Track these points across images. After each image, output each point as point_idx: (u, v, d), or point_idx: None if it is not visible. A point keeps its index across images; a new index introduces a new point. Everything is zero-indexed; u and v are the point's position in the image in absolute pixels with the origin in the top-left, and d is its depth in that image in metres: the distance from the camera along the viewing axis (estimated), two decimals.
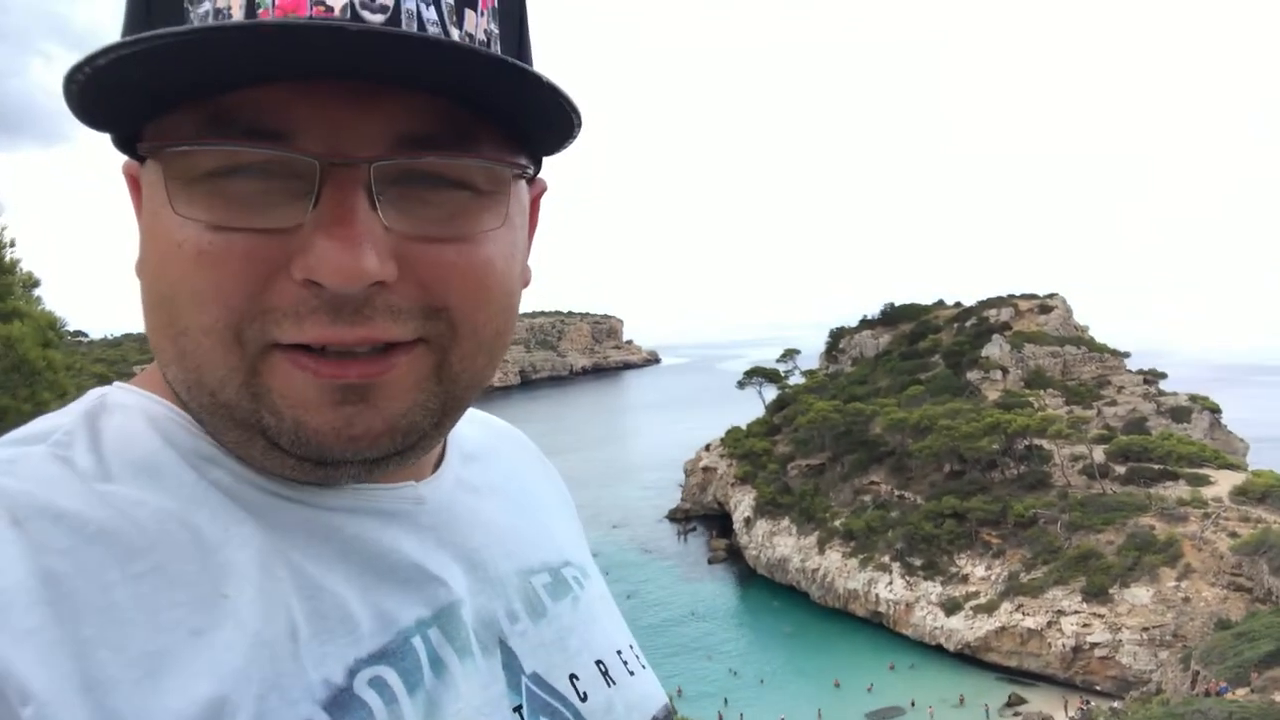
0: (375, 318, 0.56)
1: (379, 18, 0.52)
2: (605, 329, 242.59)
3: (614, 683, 0.78)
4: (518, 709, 0.69)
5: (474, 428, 0.88)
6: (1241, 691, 27.52)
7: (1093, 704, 37.52)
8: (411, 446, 0.61)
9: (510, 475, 0.87)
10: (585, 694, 0.74)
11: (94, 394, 0.65)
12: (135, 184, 0.63)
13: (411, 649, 0.63)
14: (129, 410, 0.63)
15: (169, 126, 0.55)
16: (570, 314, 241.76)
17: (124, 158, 0.63)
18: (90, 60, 0.49)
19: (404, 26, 0.53)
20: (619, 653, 0.81)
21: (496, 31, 0.60)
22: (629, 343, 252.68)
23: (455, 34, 0.56)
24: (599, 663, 0.78)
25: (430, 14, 0.55)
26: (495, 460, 0.87)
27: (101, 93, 0.52)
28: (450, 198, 0.59)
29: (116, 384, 0.67)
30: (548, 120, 0.59)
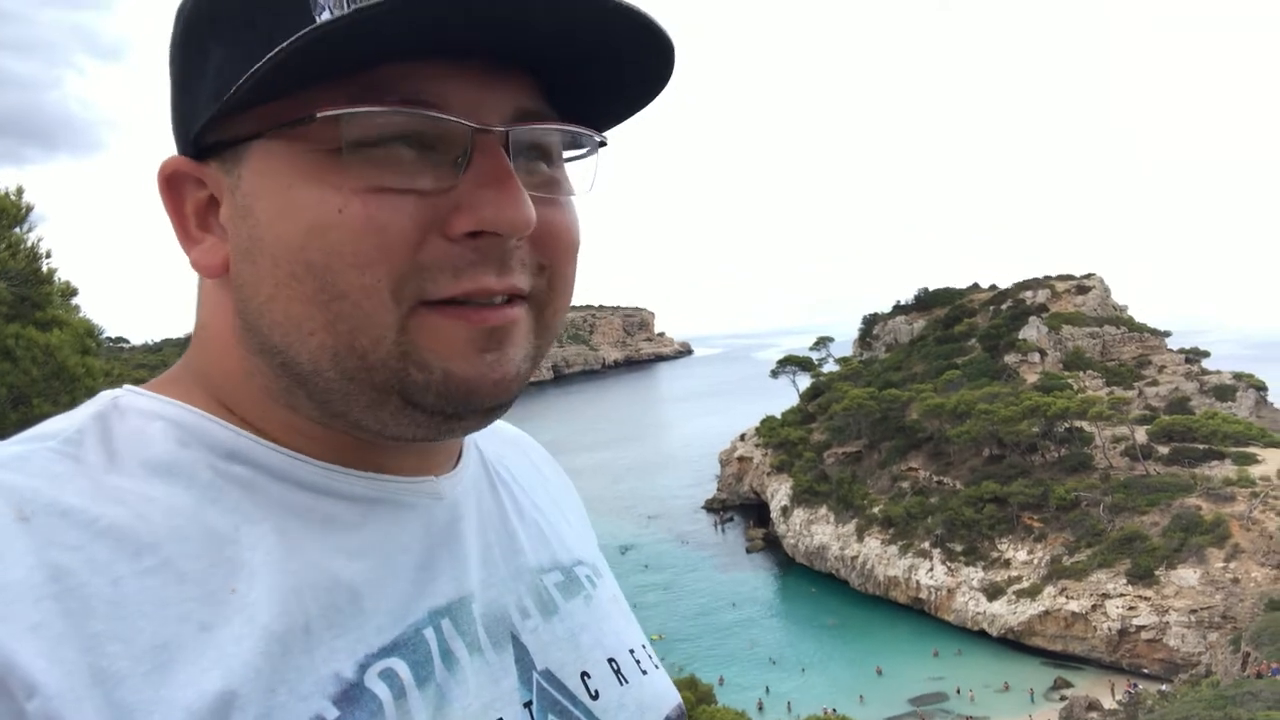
0: (515, 269, 0.62)
1: None
2: (637, 321, 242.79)
3: (626, 681, 0.78)
4: (528, 704, 0.69)
5: (486, 431, 0.87)
6: None
7: (1140, 687, 37.02)
8: (515, 396, 0.66)
9: (523, 476, 0.88)
10: (597, 692, 0.75)
11: (105, 395, 0.66)
12: (174, 185, 0.65)
13: (423, 640, 0.64)
14: (140, 411, 0.64)
15: (308, 103, 0.57)
16: (601, 307, 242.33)
17: (160, 161, 0.65)
18: (275, 56, 0.53)
19: None
20: (631, 651, 0.82)
21: None
22: (661, 335, 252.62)
23: None
24: (611, 661, 0.78)
25: None
26: (508, 460, 0.88)
27: (295, 60, 0.54)
28: (545, 166, 0.66)
29: (126, 386, 0.68)
30: (628, 94, 0.67)
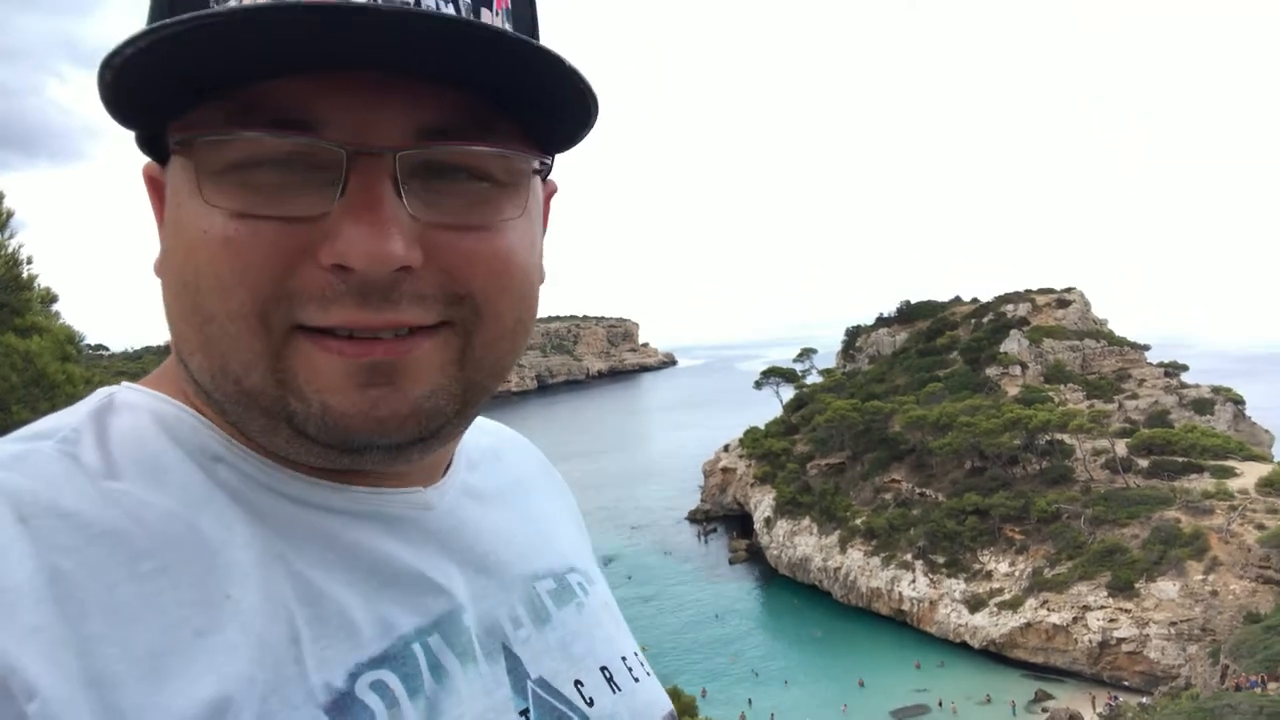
0: (401, 303, 0.58)
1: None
2: (621, 332, 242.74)
3: (619, 689, 0.78)
4: (524, 713, 0.69)
5: (481, 435, 0.88)
6: (1273, 686, 27.17)
7: (1121, 699, 37.16)
8: (435, 433, 0.62)
9: (516, 482, 0.87)
10: (591, 699, 0.75)
11: (101, 393, 0.66)
12: (155, 186, 0.65)
13: (412, 654, 0.64)
14: (136, 409, 0.64)
15: (197, 119, 0.56)
16: (585, 318, 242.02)
17: (142, 164, 0.65)
18: (129, 43, 0.51)
19: (424, 4, 0.55)
20: (624, 659, 0.81)
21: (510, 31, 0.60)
22: (645, 345, 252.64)
23: (486, 13, 0.58)
24: (604, 669, 0.78)
25: (448, 10, 0.56)
26: (501, 467, 0.87)
27: (134, 81, 0.53)
28: (470, 188, 0.60)
29: (124, 383, 0.67)
30: (566, 109, 0.61)
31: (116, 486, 0.58)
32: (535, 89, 0.58)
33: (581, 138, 0.65)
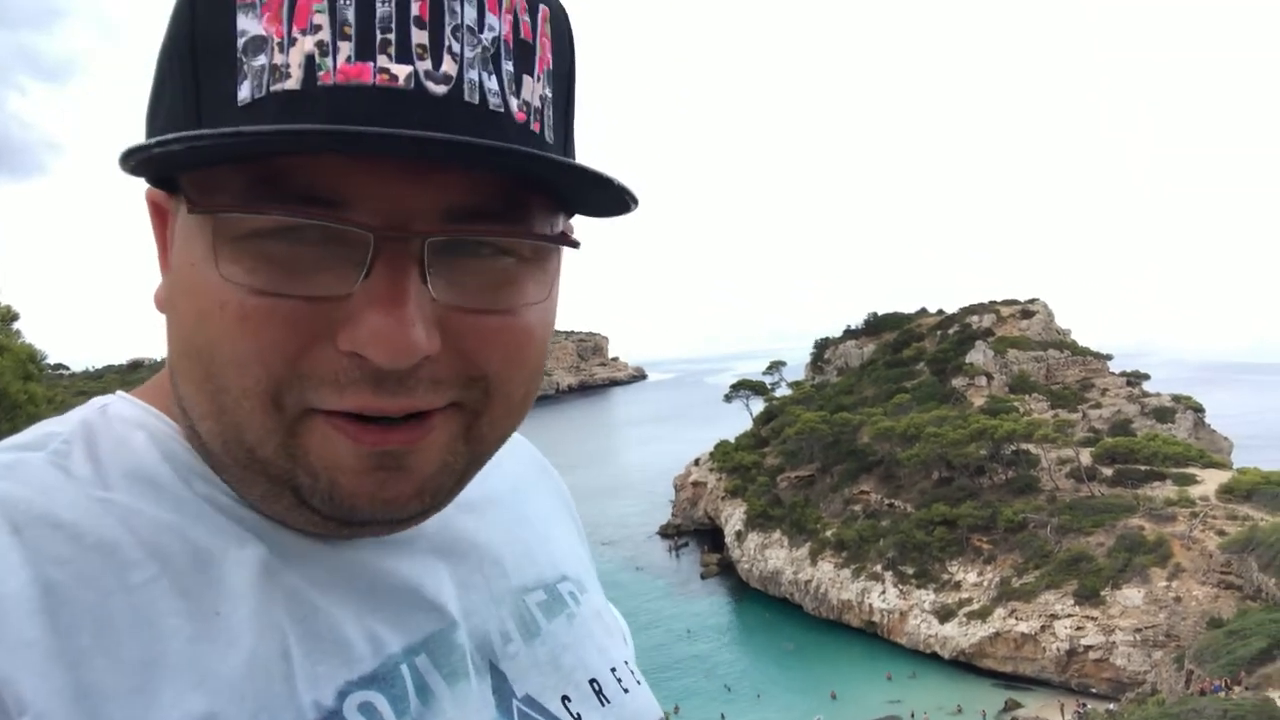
0: (417, 389, 0.56)
1: (442, 88, 0.52)
2: (590, 346, 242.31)
3: (608, 701, 0.77)
4: None
5: None
6: (1236, 689, 27.58)
7: (1089, 706, 37.49)
8: (435, 505, 0.62)
9: (510, 486, 0.86)
10: (579, 715, 0.74)
11: (95, 403, 0.65)
12: (160, 212, 0.62)
13: (399, 675, 0.63)
14: (129, 422, 0.63)
15: (217, 181, 0.53)
16: (555, 332, 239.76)
17: (132, 181, 0.61)
18: (160, 145, 0.50)
19: (466, 97, 0.53)
20: (613, 670, 0.80)
21: (550, 96, 0.59)
22: (615, 359, 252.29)
23: (514, 103, 0.55)
24: (593, 681, 0.77)
25: (491, 84, 0.54)
26: (495, 471, 0.81)
27: (160, 159, 0.52)
28: (495, 264, 0.58)
29: (119, 394, 0.66)
30: (600, 203, 0.60)
31: (109, 497, 0.57)
32: (569, 187, 0.57)
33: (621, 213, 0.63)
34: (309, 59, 0.50)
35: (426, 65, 0.52)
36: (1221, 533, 42.35)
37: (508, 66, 0.55)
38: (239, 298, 0.53)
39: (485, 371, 0.58)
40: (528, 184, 0.56)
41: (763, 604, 55.84)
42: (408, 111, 0.50)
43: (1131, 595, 41.65)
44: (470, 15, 0.53)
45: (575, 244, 0.62)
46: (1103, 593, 42.35)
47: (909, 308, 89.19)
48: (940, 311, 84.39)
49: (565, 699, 0.74)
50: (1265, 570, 37.72)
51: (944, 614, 46.56)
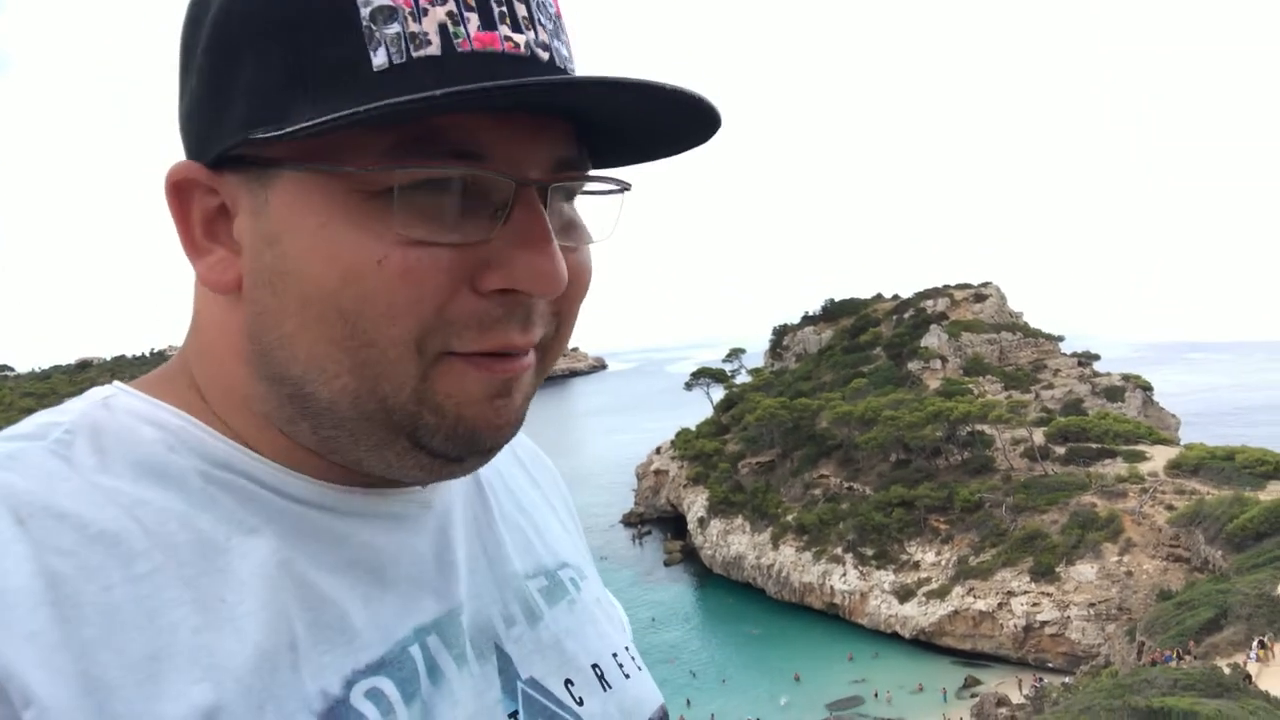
0: (537, 324, 0.61)
1: (545, 55, 0.59)
2: None
3: (610, 686, 0.78)
4: (514, 715, 0.69)
5: None
6: (1186, 659, 28.34)
7: (1045, 681, 38.25)
8: (515, 433, 0.65)
9: (508, 475, 0.87)
10: (581, 698, 0.74)
11: (96, 393, 0.65)
12: (193, 193, 0.62)
13: (409, 658, 0.63)
14: (132, 412, 0.63)
15: (354, 143, 0.55)
16: None
17: (170, 167, 0.61)
18: (330, 122, 0.52)
19: (558, 63, 0.60)
20: (614, 655, 0.81)
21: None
22: (574, 350, 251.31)
23: (575, 70, 0.63)
24: (595, 666, 0.78)
25: (564, 51, 0.62)
26: (494, 461, 0.83)
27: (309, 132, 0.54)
28: (567, 209, 0.65)
29: (116, 384, 0.66)
30: (686, 131, 0.63)
31: (114, 486, 0.57)
32: (664, 117, 0.61)
33: (660, 159, 0.69)
34: (442, 28, 0.54)
35: (531, 35, 0.58)
36: (1170, 507, 43.47)
37: (564, 37, 0.62)
38: (400, 251, 0.55)
39: (562, 307, 0.64)
40: (588, 135, 0.63)
41: (726, 589, 56.24)
42: (530, 74, 0.57)
43: (1085, 571, 42.60)
44: None
45: (629, 185, 0.67)
46: (1057, 569, 43.25)
47: (865, 293, 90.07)
48: (896, 296, 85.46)
49: (568, 682, 0.75)
50: (1212, 543, 38.79)
51: (904, 594, 47.25)
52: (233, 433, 0.64)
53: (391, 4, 0.54)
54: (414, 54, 0.54)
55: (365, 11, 0.54)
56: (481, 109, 0.55)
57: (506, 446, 0.91)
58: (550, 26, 0.60)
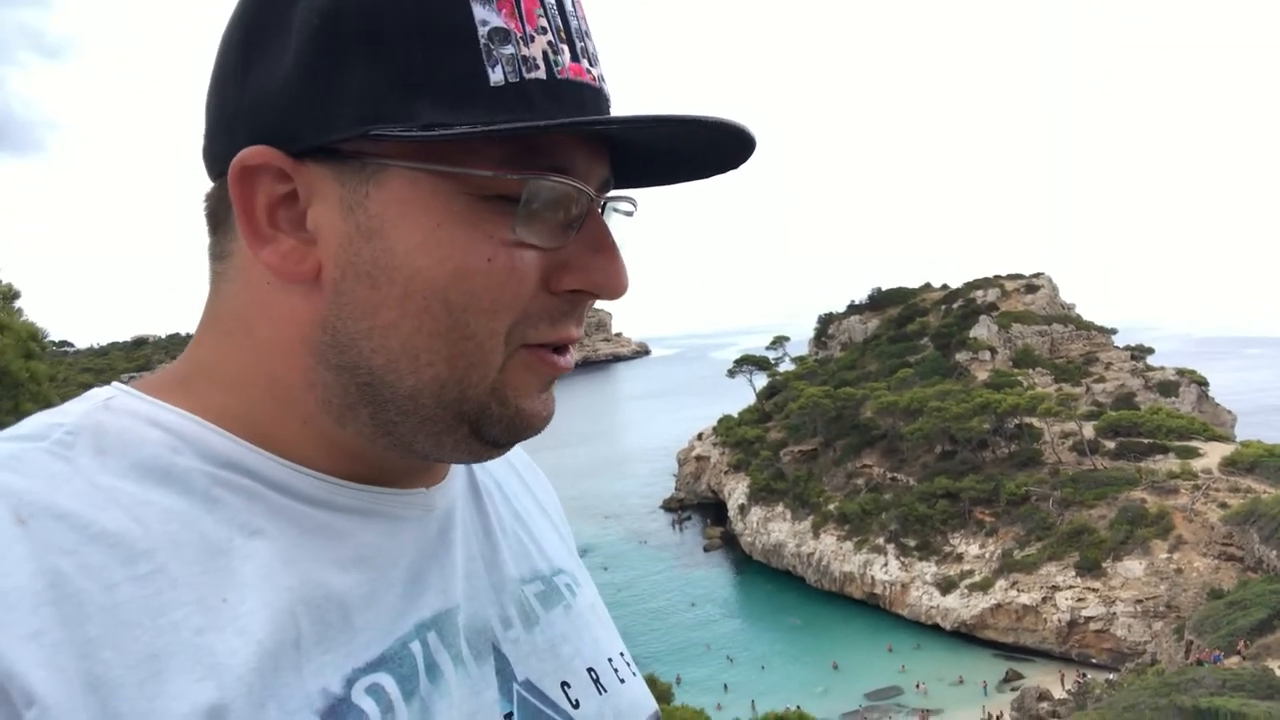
0: (583, 321, 0.68)
1: (605, 86, 0.67)
2: (594, 322, 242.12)
3: (605, 690, 0.79)
4: (509, 716, 0.70)
5: None
6: (1234, 659, 27.79)
7: (1089, 677, 37.79)
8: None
9: (506, 482, 0.89)
10: (577, 701, 0.75)
11: (96, 394, 0.65)
12: (266, 178, 0.62)
13: (409, 654, 0.64)
14: (134, 414, 0.63)
15: (474, 149, 0.60)
16: None
17: (244, 154, 0.61)
18: (483, 133, 0.58)
19: (607, 92, 0.67)
20: (610, 660, 0.82)
21: None
22: (618, 335, 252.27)
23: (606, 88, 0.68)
24: (590, 670, 0.79)
25: (604, 75, 0.68)
26: (490, 468, 0.88)
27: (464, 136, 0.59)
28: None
29: (116, 385, 0.66)
30: (720, 160, 0.69)
31: (115, 486, 0.57)
32: (706, 146, 0.67)
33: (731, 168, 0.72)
34: (545, 55, 0.61)
35: (599, 70, 0.66)
36: (1224, 505, 42.53)
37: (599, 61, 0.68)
38: (508, 251, 0.61)
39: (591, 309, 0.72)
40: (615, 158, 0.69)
41: (765, 576, 56.27)
42: (603, 103, 0.65)
43: (1132, 567, 41.88)
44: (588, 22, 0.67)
45: (636, 208, 0.73)
46: (1104, 564, 42.60)
47: (913, 282, 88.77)
48: (945, 286, 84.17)
49: (565, 685, 0.76)
50: (1266, 542, 37.87)
51: (946, 586, 46.88)
52: (249, 427, 0.64)
53: (505, 27, 0.59)
54: (526, 75, 0.59)
55: (484, 31, 0.58)
56: (579, 133, 0.62)
57: (503, 456, 0.97)
58: (597, 54, 0.67)
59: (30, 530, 0.52)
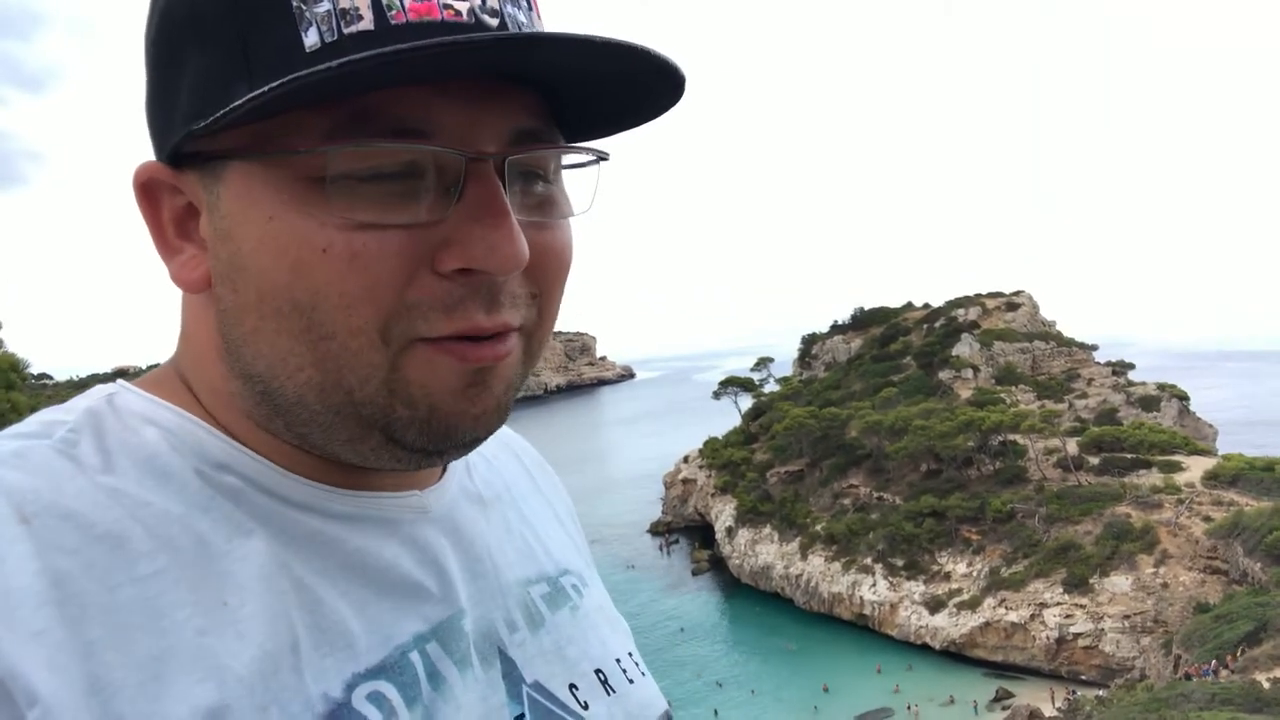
0: (505, 304, 0.59)
1: (494, 21, 0.56)
2: (578, 346, 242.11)
3: (614, 691, 0.78)
4: (519, 718, 0.69)
5: None
6: (1224, 673, 27.85)
7: (1079, 694, 37.77)
8: (499, 424, 0.64)
9: (511, 482, 0.87)
10: (586, 703, 0.74)
11: (99, 391, 0.64)
12: (160, 193, 0.61)
13: (409, 664, 0.63)
14: (135, 412, 0.62)
15: (294, 127, 0.54)
16: None
17: (137, 167, 0.61)
18: (268, 92, 0.51)
19: (510, 29, 0.57)
20: (618, 661, 0.81)
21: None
22: (603, 359, 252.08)
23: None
24: (598, 671, 0.78)
25: (522, 18, 0.59)
26: (497, 467, 0.86)
27: (239, 116, 0.53)
28: (537, 184, 0.62)
29: (120, 383, 0.66)
30: (654, 91, 0.61)
31: (117, 486, 0.57)
32: (627, 81, 0.59)
33: (635, 127, 0.66)
34: (375, 2, 0.53)
35: (476, 1, 0.56)
36: (1207, 519, 42.71)
37: (524, 3, 0.60)
38: (345, 236, 0.54)
39: (540, 288, 0.62)
40: (556, 106, 0.62)
41: (754, 599, 56.00)
42: (502, 46, 0.53)
43: (1119, 582, 41.96)
44: None
45: (606, 155, 0.65)
46: (1091, 580, 42.65)
47: (895, 302, 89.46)
48: (926, 305, 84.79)
49: (573, 687, 0.74)
50: (1251, 555, 38.06)
51: (934, 605, 46.81)
52: (227, 432, 0.63)
53: None
54: (345, 30, 0.52)
55: None
56: (416, 81, 0.53)
57: (511, 453, 0.91)
58: None
59: (34, 529, 0.52)
